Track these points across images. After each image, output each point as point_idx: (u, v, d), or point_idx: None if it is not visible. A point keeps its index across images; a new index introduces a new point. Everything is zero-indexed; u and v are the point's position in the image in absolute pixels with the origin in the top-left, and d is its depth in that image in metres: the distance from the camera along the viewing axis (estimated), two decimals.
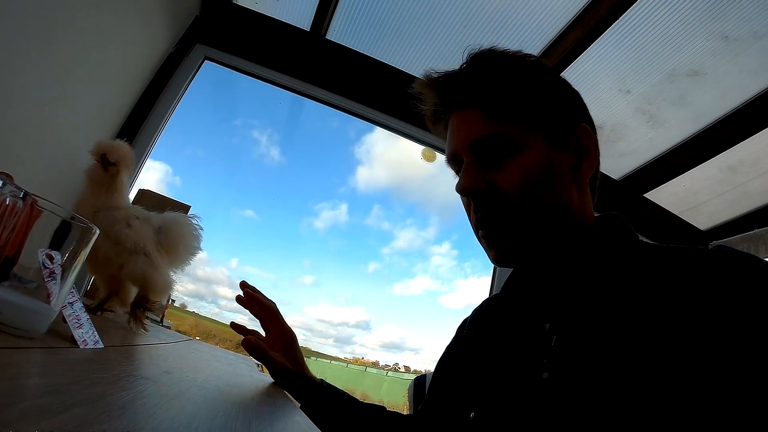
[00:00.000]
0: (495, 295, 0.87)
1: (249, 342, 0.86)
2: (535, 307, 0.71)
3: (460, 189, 0.68)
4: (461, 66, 0.74)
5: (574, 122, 0.71)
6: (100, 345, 0.59)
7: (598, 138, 0.73)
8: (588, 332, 0.58)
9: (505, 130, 0.66)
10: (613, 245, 0.67)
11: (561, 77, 0.75)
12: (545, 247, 0.67)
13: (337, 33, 2.21)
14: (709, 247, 0.61)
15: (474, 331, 0.85)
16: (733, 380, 0.45)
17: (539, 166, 0.66)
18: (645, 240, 0.67)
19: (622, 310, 0.57)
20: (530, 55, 0.74)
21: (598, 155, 0.73)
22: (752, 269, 0.51)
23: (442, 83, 0.74)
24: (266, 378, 0.98)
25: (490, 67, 0.71)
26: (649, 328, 0.52)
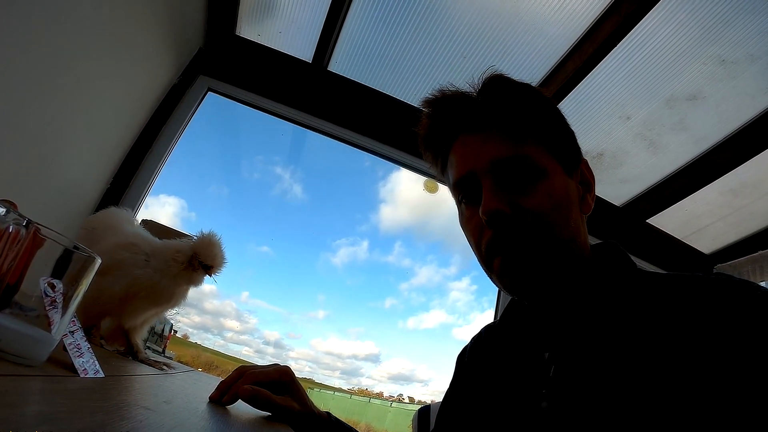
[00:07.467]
0: (494, 322, 0.86)
1: (247, 391, 0.71)
2: (534, 336, 0.70)
3: (485, 211, 0.63)
4: (474, 88, 0.72)
5: (580, 154, 0.72)
6: (101, 374, 0.58)
7: (600, 164, 0.74)
8: (586, 362, 0.58)
9: (530, 153, 0.65)
10: (611, 275, 0.65)
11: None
12: (559, 277, 0.65)
13: (338, 65, 2.24)
14: (714, 271, 0.60)
15: (474, 360, 0.84)
16: (731, 408, 0.45)
17: (561, 193, 0.65)
18: (643, 267, 0.66)
19: (621, 340, 0.56)
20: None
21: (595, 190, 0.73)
22: (750, 297, 0.50)
23: (457, 102, 0.72)
24: None
25: (507, 89, 0.70)
26: (647, 358, 0.52)
